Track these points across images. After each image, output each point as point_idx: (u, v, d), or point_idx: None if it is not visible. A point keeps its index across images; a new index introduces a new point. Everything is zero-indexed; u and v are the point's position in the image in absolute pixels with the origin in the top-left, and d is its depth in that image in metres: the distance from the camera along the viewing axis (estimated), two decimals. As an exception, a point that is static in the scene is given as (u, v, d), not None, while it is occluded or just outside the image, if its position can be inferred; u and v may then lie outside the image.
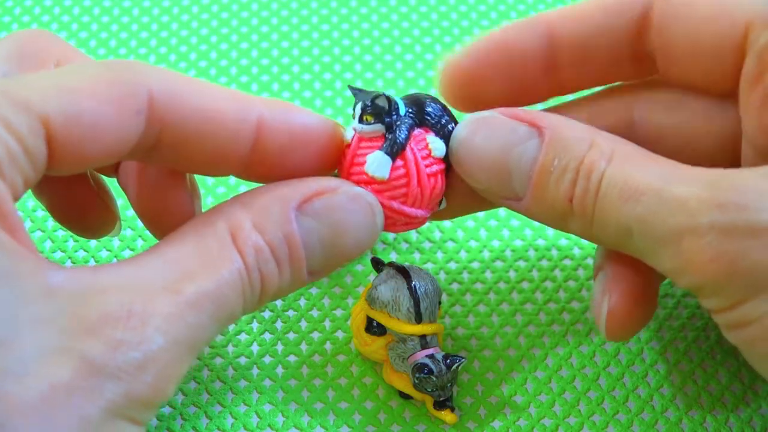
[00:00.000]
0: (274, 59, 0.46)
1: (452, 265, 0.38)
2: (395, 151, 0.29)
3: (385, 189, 0.29)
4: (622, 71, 0.32)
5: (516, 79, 0.31)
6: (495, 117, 0.29)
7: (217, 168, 0.28)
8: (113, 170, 0.32)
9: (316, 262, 0.27)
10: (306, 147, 0.28)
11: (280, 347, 0.35)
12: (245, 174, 0.29)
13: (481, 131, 0.29)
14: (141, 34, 0.47)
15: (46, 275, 0.23)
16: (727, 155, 0.31)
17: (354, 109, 0.30)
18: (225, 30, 0.48)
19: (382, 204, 0.29)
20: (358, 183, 0.29)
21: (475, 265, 0.38)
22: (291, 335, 0.36)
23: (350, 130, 0.30)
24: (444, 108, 0.31)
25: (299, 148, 0.28)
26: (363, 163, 0.29)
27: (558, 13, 0.31)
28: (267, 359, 0.35)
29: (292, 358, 0.35)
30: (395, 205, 0.29)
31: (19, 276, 0.22)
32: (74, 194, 0.32)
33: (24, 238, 0.23)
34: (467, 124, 0.29)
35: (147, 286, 0.24)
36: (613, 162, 0.27)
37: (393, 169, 0.29)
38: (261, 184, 0.28)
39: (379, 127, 0.29)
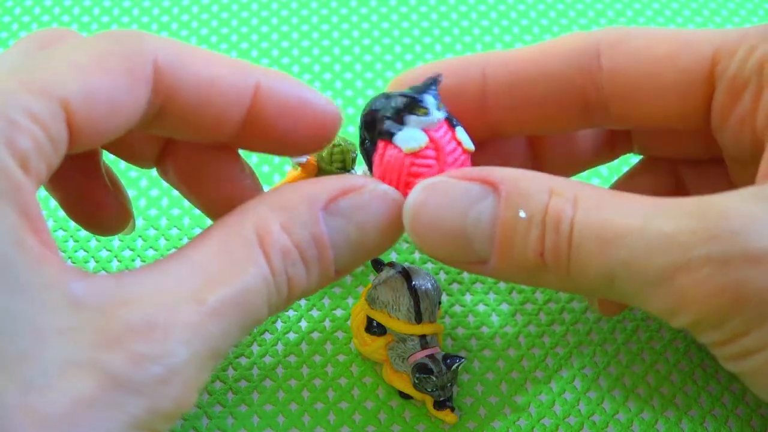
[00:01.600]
0: (274, 59, 0.46)
1: (452, 265, 0.38)
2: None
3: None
4: (566, 118, 0.31)
5: (454, 114, 0.30)
6: (445, 181, 0.27)
7: (212, 134, 0.28)
8: (153, 161, 0.32)
9: (343, 260, 0.27)
10: (300, 118, 0.28)
11: (280, 347, 0.35)
12: (237, 141, 0.28)
13: (433, 198, 0.27)
14: (141, 34, 0.47)
15: (69, 285, 0.22)
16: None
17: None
18: (225, 30, 0.48)
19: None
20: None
21: (475, 265, 0.38)
22: (291, 335, 0.36)
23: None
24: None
25: (293, 118, 0.28)
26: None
27: (492, 57, 0.31)
28: (267, 359, 0.35)
29: (292, 358, 0.35)
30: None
31: (42, 286, 0.22)
32: (88, 190, 0.32)
33: (47, 239, 0.23)
34: (417, 192, 0.27)
35: (170, 296, 0.23)
36: (579, 208, 0.25)
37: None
38: (284, 184, 0.28)
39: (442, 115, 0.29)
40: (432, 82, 0.29)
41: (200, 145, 0.30)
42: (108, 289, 0.23)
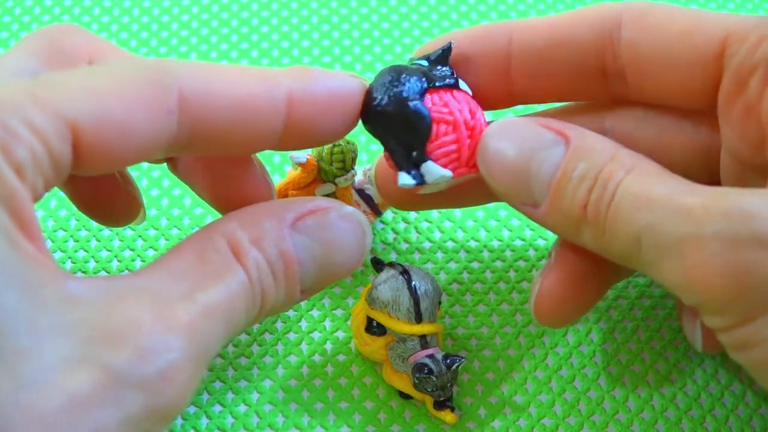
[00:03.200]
0: (274, 59, 0.46)
1: (452, 265, 0.38)
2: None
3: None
4: (587, 88, 0.31)
5: (473, 84, 0.31)
6: (524, 122, 0.29)
7: (251, 149, 0.28)
8: (169, 162, 0.32)
9: (309, 279, 0.27)
10: (334, 110, 0.28)
11: (280, 347, 0.35)
12: (279, 147, 0.28)
13: (508, 134, 0.29)
14: (141, 34, 0.47)
15: (65, 283, 0.22)
16: (702, 167, 0.31)
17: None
18: (225, 30, 0.48)
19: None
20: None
21: (475, 265, 0.38)
22: (291, 335, 0.36)
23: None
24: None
25: (328, 113, 0.28)
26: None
27: (520, 23, 0.31)
28: (267, 359, 0.35)
29: (292, 358, 0.35)
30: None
31: (38, 284, 0.22)
32: (99, 184, 0.32)
33: (42, 246, 0.23)
34: (495, 126, 0.29)
35: (163, 295, 0.24)
36: (630, 174, 0.26)
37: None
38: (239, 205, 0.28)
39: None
40: (445, 52, 0.30)
41: None
42: (102, 287, 0.23)
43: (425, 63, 0.30)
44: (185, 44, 0.47)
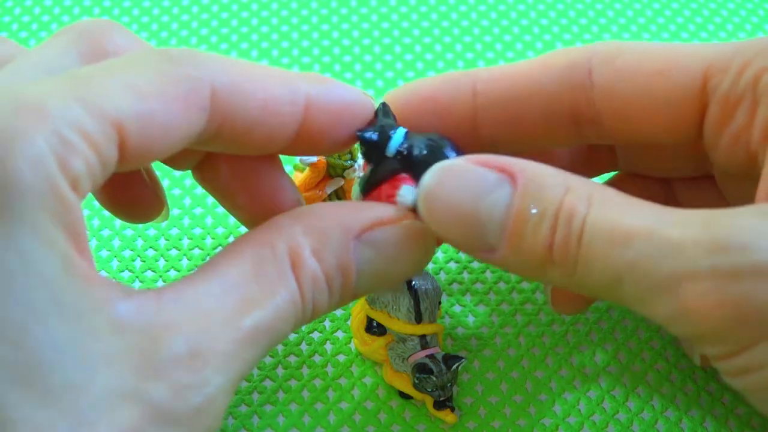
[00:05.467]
0: (274, 59, 0.46)
1: (452, 265, 0.38)
2: (363, 188, 0.29)
3: None
4: (558, 135, 0.31)
5: (444, 132, 0.30)
6: (462, 165, 0.27)
7: (264, 149, 0.28)
8: (192, 167, 0.31)
9: (363, 288, 0.27)
10: (345, 121, 0.28)
11: (280, 347, 0.35)
12: (286, 150, 0.28)
13: (449, 181, 0.27)
14: (141, 34, 0.47)
15: (115, 307, 0.22)
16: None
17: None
18: (225, 30, 0.48)
19: None
20: None
21: (475, 265, 0.38)
22: (291, 335, 0.36)
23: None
24: (453, 144, 0.29)
25: (340, 123, 0.28)
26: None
27: (483, 73, 0.31)
28: (267, 359, 0.35)
29: (292, 358, 0.35)
30: None
31: (89, 309, 0.21)
32: (127, 183, 0.32)
33: (90, 258, 0.22)
34: (433, 173, 0.27)
35: (209, 319, 0.23)
36: (593, 207, 0.25)
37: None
38: (319, 202, 0.28)
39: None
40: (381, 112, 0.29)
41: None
42: (149, 310, 0.23)
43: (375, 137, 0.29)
44: (185, 44, 0.47)
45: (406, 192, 0.28)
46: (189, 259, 0.38)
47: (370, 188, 0.29)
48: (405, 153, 0.28)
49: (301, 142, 0.27)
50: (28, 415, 0.20)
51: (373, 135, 0.28)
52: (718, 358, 0.25)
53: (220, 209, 0.39)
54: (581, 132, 0.31)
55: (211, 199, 0.40)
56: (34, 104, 0.21)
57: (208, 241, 0.38)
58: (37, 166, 0.21)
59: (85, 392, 0.21)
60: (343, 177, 0.36)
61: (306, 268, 0.25)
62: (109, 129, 0.22)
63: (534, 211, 0.25)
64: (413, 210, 0.28)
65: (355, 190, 0.30)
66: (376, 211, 0.27)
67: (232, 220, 0.39)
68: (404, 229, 0.27)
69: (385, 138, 0.29)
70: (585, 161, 0.35)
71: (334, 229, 0.26)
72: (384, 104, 0.30)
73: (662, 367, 0.35)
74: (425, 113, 0.31)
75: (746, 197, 0.27)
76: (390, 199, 0.28)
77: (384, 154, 0.29)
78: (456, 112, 0.31)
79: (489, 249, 0.26)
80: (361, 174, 0.30)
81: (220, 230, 0.39)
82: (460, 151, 0.29)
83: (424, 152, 0.28)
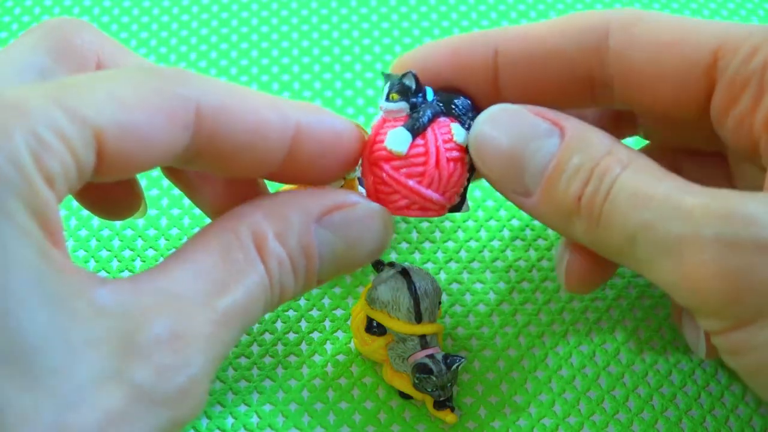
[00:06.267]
0: (274, 59, 0.46)
1: (452, 265, 0.38)
2: (416, 128, 0.29)
3: (403, 165, 0.29)
4: (576, 97, 0.31)
5: (465, 91, 0.31)
6: (518, 109, 0.29)
7: (249, 173, 0.28)
8: (171, 175, 0.31)
9: (326, 272, 0.28)
10: (334, 151, 0.28)
11: (280, 347, 0.35)
12: (272, 176, 0.29)
13: (503, 121, 0.29)
14: (141, 34, 0.47)
15: (93, 292, 0.22)
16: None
17: (384, 89, 0.30)
18: (225, 30, 0.48)
19: (398, 182, 0.29)
20: (377, 159, 0.29)
21: (475, 265, 0.38)
22: (291, 335, 0.36)
23: (379, 109, 0.30)
24: (473, 105, 0.31)
25: (328, 153, 0.28)
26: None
27: (505, 33, 0.31)
28: (267, 359, 0.35)
29: (292, 358, 0.35)
30: (411, 183, 0.29)
31: (69, 295, 0.22)
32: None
33: (65, 251, 0.23)
34: (490, 112, 0.29)
35: (185, 302, 0.24)
36: (626, 170, 0.26)
37: (412, 146, 0.29)
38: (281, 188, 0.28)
39: (403, 106, 0.30)
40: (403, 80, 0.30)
41: None
42: (128, 295, 0.23)
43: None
44: (185, 44, 0.47)
45: (457, 131, 0.29)
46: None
47: (419, 130, 0.29)
48: (444, 98, 0.30)
49: (287, 169, 0.28)
50: (12, 398, 0.20)
51: (409, 78, 0.30)
52: (715, 332, 0.25)
53: (197, 210, 0.39)
54: (594, 95, 0.31)
55: (188, 201, 0.40)
56: (15, 103, 0.22)
57: (185, 241, 0.38)
58: (12, 159, 0.21)
59: (69, 375, 0.21)
60: (344, 177, 0.36)
61: (271, 252, 0.26)
62: (88, 134, 0.22)
63: (572, 162, 0.27)
64: (464, 148, 0.29)
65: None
66: (335, 195, 0.28)
67: (208, 220, 0.39)
68: (362, 210, 0.28)
69: (419, 81, 0.30)
70: (610, 123, 0.35)
71: (295, 213, 0.27)
72: (412, 73, 0.30)
73: (662, 367, 0.35)
74: (448, 71, 0.31)
75: (756, 179, 0.28)
76: (446, 137, 0.29)
77: (425, 96, 0.30)
78: (478, 71, 0.31)
79: (525, 192, 0.28)
80: (361, 173, 0.30)
81: (197, 230, 0.39)
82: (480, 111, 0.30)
83: (462, 97, 0.30)
